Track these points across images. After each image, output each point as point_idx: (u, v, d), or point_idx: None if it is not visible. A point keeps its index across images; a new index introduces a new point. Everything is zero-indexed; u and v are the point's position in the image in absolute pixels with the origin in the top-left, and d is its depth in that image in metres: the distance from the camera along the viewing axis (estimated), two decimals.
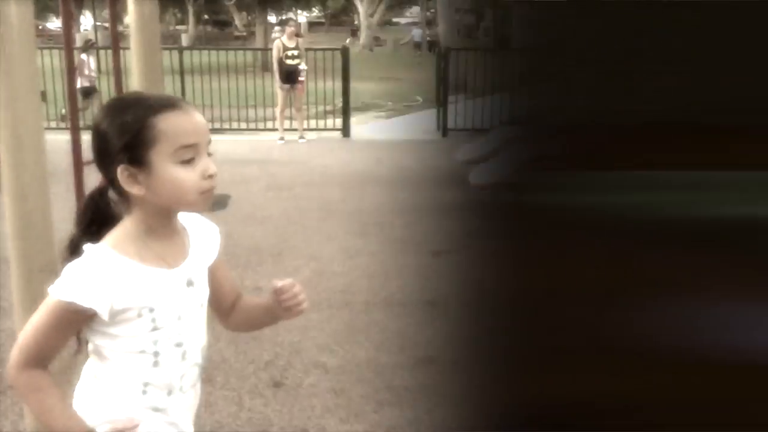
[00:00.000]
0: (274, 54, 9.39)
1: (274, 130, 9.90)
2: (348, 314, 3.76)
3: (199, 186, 1.21)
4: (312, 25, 61.23)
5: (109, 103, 1.28)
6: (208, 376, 3.10)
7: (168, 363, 1.30)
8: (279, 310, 1.37)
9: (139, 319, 1.24)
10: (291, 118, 9.88)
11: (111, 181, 1.23)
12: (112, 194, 1.27)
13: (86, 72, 10.04)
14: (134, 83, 3.34)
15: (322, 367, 3.15)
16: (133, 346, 1.26)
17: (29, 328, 1.24)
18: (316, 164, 8.11)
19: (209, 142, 1.25)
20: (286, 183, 7.07)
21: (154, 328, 1.26)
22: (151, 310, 1.25)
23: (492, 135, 4.85)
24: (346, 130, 10.07)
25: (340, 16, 58.61)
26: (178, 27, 53.30)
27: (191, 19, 41.89)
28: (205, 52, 11.57)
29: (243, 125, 10.25)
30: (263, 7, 23.31)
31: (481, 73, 9.99)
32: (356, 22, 36.70)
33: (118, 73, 3.35)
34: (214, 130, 9.79)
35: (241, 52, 12.18)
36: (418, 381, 3.03)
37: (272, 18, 55.68)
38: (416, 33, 30.16)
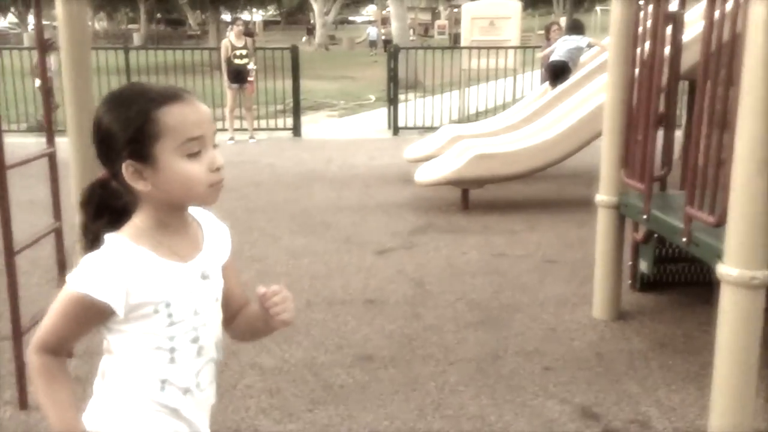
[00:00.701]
0: (222, 53, 9.27)
1: (224, 130, 9.76)
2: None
3: (207, 179, 1.18)
4: (268, 23, 60.67)
5: (110, 97, 1.21)
6: None
7: (184, 359, 1.25)
8: (267, 317, 1.30)
9: (155, 315, 1.21)
10: (241, 118, 9.79)
11: (115, 175, 1.19)
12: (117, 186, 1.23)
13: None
14: (64, 82, 3.27)
15: (258, 368, 3.13)
16: (149, 343, 1.22)
17: (49, 314, 1.22)
18: (265, 164, 8.04)
19: (215, 133, 1.22)
20: (233, 184, 6.91)
21: (171, 323, 1.22)
22: (168, 305, 1.21)
23: (438, 133, 4.97)
24: (296, 130, 10.01)
25: (296, 15, 58.17)
26: (131, 26, 52.21)
27: (143, 18, 40.99)
28: (154, 51, 11.36)
29: None
30: (216, 5, 22.98)
31: (433, 72, 10.05)
32: (312, 21, 36.48)
33: (44, 73, 3.27)
34: None
35: (190, 51, 11.98)
36: (355, 379, 3.03)
37: (227, 16, 55.10)
38: (372, 31, 30.17)
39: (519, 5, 10.91)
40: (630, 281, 4.03)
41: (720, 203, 2.53)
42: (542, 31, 12.03)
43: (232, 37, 9.30)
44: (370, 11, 52.85)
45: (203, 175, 1.17)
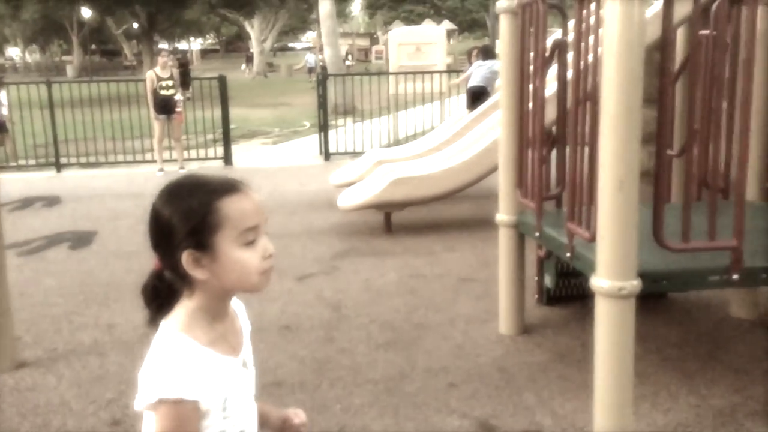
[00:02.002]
0: (148, 85, 9.22)
1: (152, 161, 9.70)
2: None
3: (260, 267, 1.20)
4: (207, 52, 60.36)
5: (169, 189, 1.24)
6: (44, 420, 3.01)
7: None
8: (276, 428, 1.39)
9: (213, 411, 1.20)
10: (171, 149, 9.73)
11: (172, 264, 1.20)
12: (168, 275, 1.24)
13: None
14: None
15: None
16: None
17: None
18: None
19: (266, 221, 1.24)
20: None
21: (225, 417, 1.23)
22: (225, 401, 1.22)
23: (363, 158, 5.08)
24: (227, 158, 10.00)
25: (236, 43, 58.10)
26: (65, 58, 51.14)
27: (76, 49, 40.21)
28: (78, 84, 11.17)
29: (126, 157, 9.98)
30: (149, 36, 22.78)
31: (367, 97, 10.22)
32: (251, 49, 36.52)
33: None
34: (90, 164, 9.57)
35: (124, 82, 11.82)
36: None
37: (165, 46, 54.53)
38: (310, 58, 30.32)
39: (444, 31, 11.30)
40: (536, 296, 4.20)
41: (594, 219, 2.69)
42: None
43: (157, 69, 9.26)
44: (309, 38, 53.20)
45: (257, 263, 1.20)
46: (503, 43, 3.58)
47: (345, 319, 4.09)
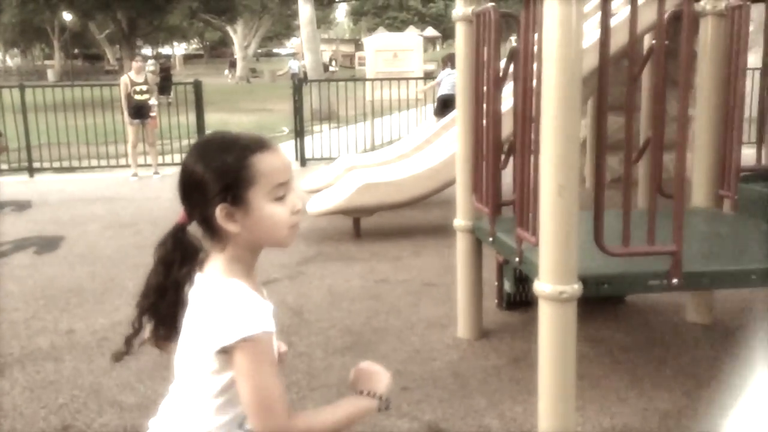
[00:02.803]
0: (122, 90, 9.20)
1: (126, 166, 9.66)
2: (158, 351, 3.72)
3: (290, 221, 1.25)
4: (191, 57, 60.15)
5: (201, 146, 1.28)
6: None
7: None
8: None
9: None
10: (145, 154, 9.69)
11: (205, 218, 1.24)
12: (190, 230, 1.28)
13: None
14: None
15: (118, 406, 3.12)
16: None
17: (257, 387, 1.18)
18: (165, 200, 7.95)
19: (293, 178, 1.29)
20: (129, 220, 6.91)
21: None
22: (273, 339, 1.26)
23: (335, 164, 5.10)
24: None
25: (220, 48, 57.93)
26: (47, 62, 50.72)
27: (57, 53, 39.92)
28: (51, 88, 11.09)
29: (101, 162, 9.93)
30: (130, 40, 22.70)
31: (346, 103, 10.24)
32: (235, 54, 36.45)
33: None
34: (64, 169, 9.50)
35: (98, 87, 11.74)
36: None
37: (148, 51, 54.23)
38: (293, 64, 30.33)
39: (421, 39, 11.33)
40: (496, 301, 4.24)
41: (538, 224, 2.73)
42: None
43: (131, 73, 9.24)
44: (293, 44, 53.20)
45: (287, 217, 1.25)
46: (459, 51, 3.62)
47: (305, 324, 4.10)
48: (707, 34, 3.67)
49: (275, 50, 60.49)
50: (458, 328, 3.84)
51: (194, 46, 65.35)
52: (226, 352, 1.20)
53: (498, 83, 3.35)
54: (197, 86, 9.85)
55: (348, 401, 1.31)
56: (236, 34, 32.68)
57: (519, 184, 3.00)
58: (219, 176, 1.21)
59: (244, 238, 1.24)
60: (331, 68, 33.34)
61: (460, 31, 3.59)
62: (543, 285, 2.56)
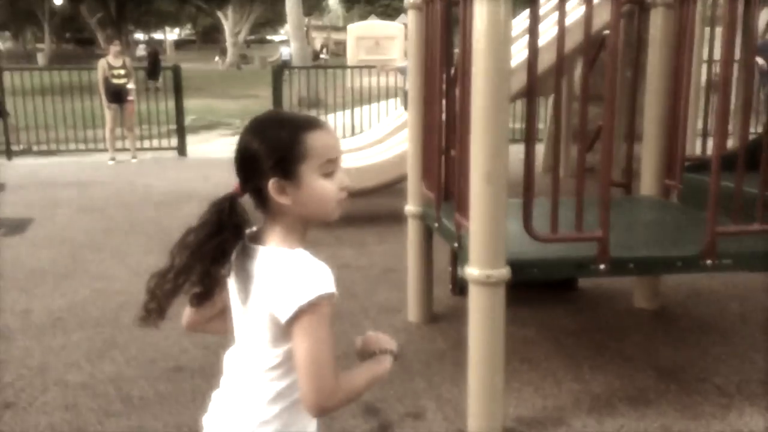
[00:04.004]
0: (99, 74, 9.18)
1: (104, 150, 9.66)
2: (111, 331, 3.78)
3: (337, 196, 1.32)
4: (184, 43, 59.79)
5: (257, 122, 1.33)
6: None
7: None
8: None
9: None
10: (124, 138, 9.69)
11: (258, 190, 1.30)
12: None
13: None
14: None
15: (62, 384, 3.16)
16: None
17: (315, 352, 1.24)
18: (139, 184, 7.99)
19: (342, 157, 1.36)
20: (100, 204, 6.93)
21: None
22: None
23: None
24: (182, 149, 9.98)
25: (212, 34, 57.57)
26: (39, 45, 50.39)
27: (47, 37, 39.64)
28: (39, 72, 11.08)
29: (80, 146, 9.92)
30: (119, 25, 22.56)
31: (332, 91, 10.23)
32: (226, 41, 36.24)
33: None
34: (42, 153, 9.49)
35: (79, 71, 11.69)
36: (157, 390, 3.12)
37: (140, 35, 53.85)
38: (284, 51, 30.20)
39: (402, 26, 11.30)
40: (450, 286, 4.29)
41: None
42: None
43: (109, 57, 9.22)
44: (287, 30, 52.93)
45: (335, 192, 1.31)
46: (410, 39, 3.65)
47: None
48: (657, 25, 3.70)
49: (268, 37, 60.17)
50: (409, 312, 3.90)
51: (187, 31, 64.94)
52: (294, 318, 1.25)
53: (444, 72, 3.39)
54: (176, 71, 9.83)
55: (370, 364, 1.38)
56: (227, 20, 32.50)
57: (458, 171, 3.04)
58: (273, 151, 1.27)
59: (293, 211, 1.30)
60: (322, 56, 33.22)
61: (412, 18, 3.62)
62: (472, 269, 2.62)
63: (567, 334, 3.68)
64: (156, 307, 1.44)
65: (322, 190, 1.29)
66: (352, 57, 10.97)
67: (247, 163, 1.31)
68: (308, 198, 1.29)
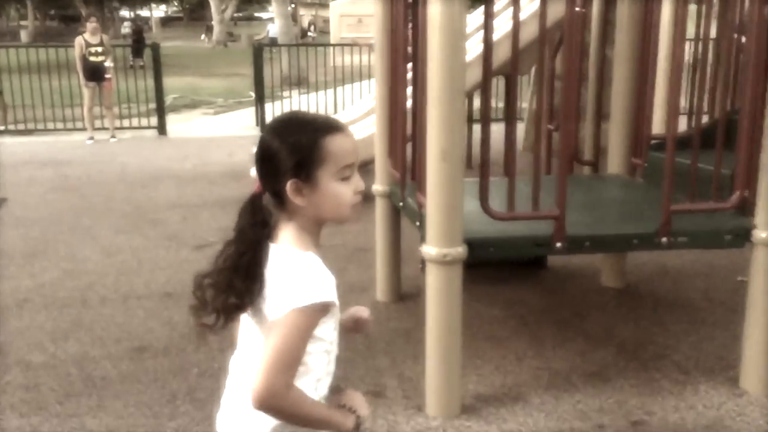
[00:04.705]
0: (76, 51, 9.05)
1: (83, 129, 9.55)
2: (78, 311, 3.77)
3: (352, 200, 1.34)
4: (170, 20, 59.00)
5: (279, 124, 1.35)
6: None
7: (333, 361, 1.41)
8: (346, 328, 1.53)
9: (332, 321, 1.35)
10: (103, 117, 9.59)
11: (276, 190, 1.32)
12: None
13: None
14: None
15: (24, 365, 3.16)
16: (322, 347, 1.35)
17: (283, 348, 1.24)
18: (117, 163, 7.93)
19: (359, 160, 1.38)
20: (75, 183, 6.88)
21: (335, 329, 1.37)
22: (336, 312, 1.36)
23: None
24: (162, 128, 9.90)
25: (200, 11, 56.80)
26: (22, 22, 49.60)
27: (30, 14, 38.99)
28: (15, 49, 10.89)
29: (57, 125, 9.81)
30: (101, 1, 22.20)
31: (319, 69, 10.13)
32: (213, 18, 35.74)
33: None
34: (20, 132, 9.37)
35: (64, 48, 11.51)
36: (120, 370, 3.12)
37: (125, 12, 53.05)
38: (272, 28, 29.85)
39: None
40: (420, 265, 4.29)
41: None
42: None
43: (86, 35, 9.09)
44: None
45: (350, 197, 1.34)
46: (376, 21, 3.62)
47: None
48: (624, 6, 3.68)
49: (256, 14, 59.46)
50: (377, 291, 3.91)
51: (174, 8, 64.09)
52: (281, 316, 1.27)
53: (406, 54, 3.36)
54: (155, 50, 9.71)
55: (334, 410, 1.36)
56: None
57: (420, 149, 3.03)
58: (292, 153, 1.29)
59: (309, 212, 1.32)
60: (309, 33, 32.88)
61: (377, 4, 3.59)
62: (429, 248, 2.62)
63: (533, 312, 3.71)
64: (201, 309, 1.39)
65: (338, 193, 1.32)
66: (334, 35, 10.83)
67: (267, 163, 1.33)
68: (324, 201, 1.32)
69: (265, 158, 1.33)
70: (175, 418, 2.74)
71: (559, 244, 2.67)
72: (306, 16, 36.80)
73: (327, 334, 1.34)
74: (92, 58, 9.00)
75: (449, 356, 2.69)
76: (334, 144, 1.30)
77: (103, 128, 9.53)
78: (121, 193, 6.51)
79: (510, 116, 2.64)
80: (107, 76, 9.10)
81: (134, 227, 5.38)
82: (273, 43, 30.56)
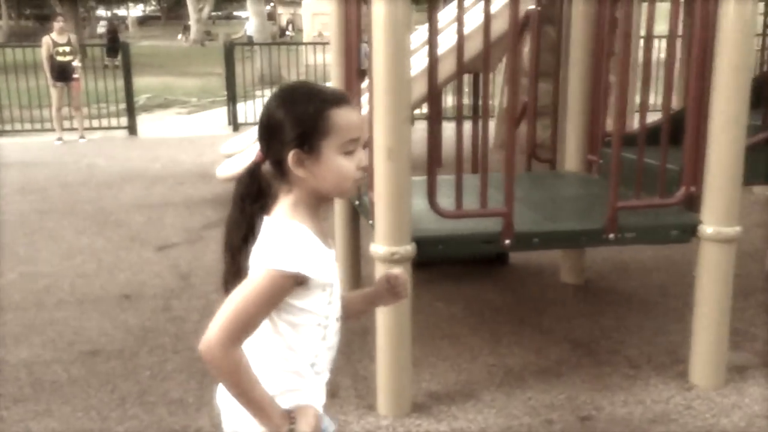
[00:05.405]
0: (43, 51, 8.93)
1: (51, 130, 9.43)
2: (32, 314, 3.72)
3: (354, 175, 1.31)
4: (148, 19, 58.43)
5: (285, 92, 1.31)
6: None
7: (330, 337, 1.38)
8: (384, 296, 1.52)
9: (322, 294, 1.31)
10: (72, 118, 9.47)
11: (277, 161, 1.28)
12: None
13: None
14: None
15: None
16: (313, 320, 1.32)
17: (240, 303, 1.22)
18: (84, 164, 7.83)
19: (366, 136, 1.36)
20: (40, 185, 6.78)
21: (329, 303, 1.33)
22: (331, 286, 1.33)
23: (254, 129, 5.00)
24: (132, 128, 9.80)
25: (178, 10, 56.32)
26: None
27: (4, 13, 38.43)
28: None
29: (26, 126, 9.67)
30: (71, 1, 21.95)
31: (294, 68, 10.07)
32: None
33: None
34: None
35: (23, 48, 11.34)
36: (70, 374, 3.08)
37: (102, 12, 52.44)
38: (249, 27, 29.69)
39: None
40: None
41: None
42: None
43: (53, 34, 8.97)
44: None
45: (353, 171, 1.30)
46: (331, 16, 3.60)
47: (190, 288, 4.11)
48: (578, 4, 3.69)
49: (235, 12, 59.10)
50: None
51: (152, 7, 63.50)
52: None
53: (355, 56, 3.35)
54: (125, 49, 9.61)
55: (273, 401, 1.29)
56: None
57: (370, 147, 3.02)
58: (296, 123, 1.26)
59: (310, 185, 1.29)
60: (287, 33, 32.74)
61: (332, 4, 3.57)
62: (377, 246, 2.61)
63: (491, 310, 3.72)
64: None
65: (341, 167, 1.29)
66: (308, 33, 10.79)
67: (270, 132, 1.30)
68: (326, 174, 1.29)
69: (269, 126, 1.30)
70: (123, 422, 2.71)
71: (507, 241, 2.67)
72: (284, 14, 36.67)
73: (317, 307, 1.31)
74: (60, 58, 8.88)
75: (400, 355, 2.68)
76: (340, 116, 1.27)
77: (72, 129, 9.41)
78: (86, 194, 6.43)
79: (459, 114, 2.63)
80: (75, 75, 8.99)
81: (97, 229, 5.31)
82: (250, 41, 30.42)
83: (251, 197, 1.33)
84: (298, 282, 1.25)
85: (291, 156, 1.27)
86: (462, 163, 2.68)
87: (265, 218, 1.30)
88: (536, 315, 3.62)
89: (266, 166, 1.32)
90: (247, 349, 1.27)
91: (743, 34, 2.57)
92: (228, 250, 1.35)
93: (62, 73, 8.91)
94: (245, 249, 1.31)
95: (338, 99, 1.29)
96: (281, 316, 1.30)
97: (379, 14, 2.43)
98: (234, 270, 1.33)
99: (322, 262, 1.29)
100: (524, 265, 4.34)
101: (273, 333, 1.31)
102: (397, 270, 1.53)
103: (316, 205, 1.33)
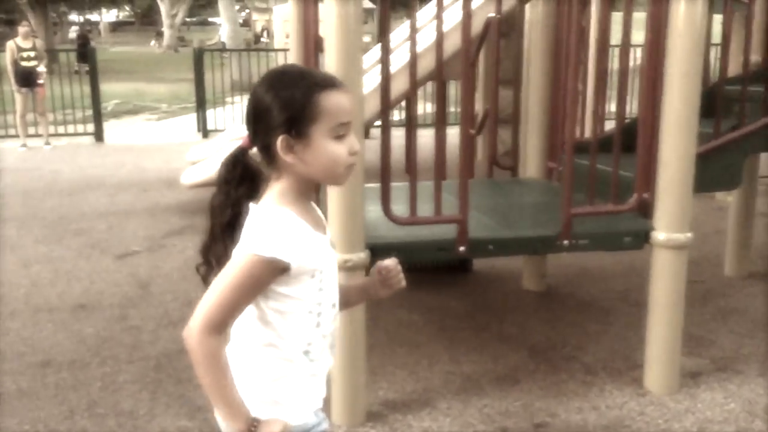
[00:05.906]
0: (8, 56, 8.79)
1: (15, 136, 9.27)
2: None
3: (346, 161, 1.27)
4: (121, 24, 57.94)
5: (273, 76, 1.27)
6: None
7: (325, 324, 1.33)
8: (378, 287, 1.48)
9: (311, 280, 1.27)
10: (36, 124, 9.31)
11: (265, 146, 1.25)
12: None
13: None
14: None
15: None
16: (303, 307, 1.28)
17: (220, 290, 1.20)
18: (49, 171, 7.70)
19: (355, 120, 1.32)
20: (0, 192, 6.65)
21: (320, 289, 1.30)
22: (321, 272, 1.29)
23: (221, 135, 4.98)
24: (99, 135, 9.66)
25: (152, 16, 55.90)
26: None
27: None
28: None
29: None
30: (43, 4, 21.64)
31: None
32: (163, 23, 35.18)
33: None
34: None
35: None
36: (19, 385, 3.00)
37: (74, 17, 51.85)
38: (224, 33, 29.54)
39: None
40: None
41: None
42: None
43: (18, 39, 8.83)
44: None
45: (344, 157, 1.26)
46: (292, 18, 3.58)
47: (148, 297, 4.04)
48: (538, 10, 3.72)
49: (210, 19, 58.82)
50: None
51: (126, 13, 62.96)
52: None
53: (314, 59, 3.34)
54: (91, 54, 9.49)
55: (243, 404, 1.25)
56: (164, 1, 31.55)
57: None
58: (285, 107, 1.23)
59: (299, 170, 1.26)
60: (262, 39, 32.63)
61: (294, 11, 3.56)
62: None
63: (452, 317, 3.71)
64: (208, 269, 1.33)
65: (332, 152, 1.25)
66: (279, 39, 10.75)
67: (258, 117, 1.26)
68: (316, 159, 1.25)
69: (256, 111, 1.26)
70: None
71: (462, 248, 2.67)
72: (259, 21, 36.54)
73: (306, 294, 1.28)
74: (24, 63, 8.75)
75: (353, 364, 2.65)
76: (329, 100, 1.24)
77: (37, 135, 9.25)
78: (48, 202, 6.31)
79: (410, 121, 2.62)
80: (40, 81, 8.86)
81: (56, 237, 5.21)
82: (224, 48, 30.24)
83: (235, 181, 1.29)
84: (280, 268, 1.22)
85: (279, 141, 1.24)
86: (416, 170, 2.67)
87: (252, 205, 1.28)
88: (496, 322, 3.62)
89: (255, 152, 1.29)
90: (239, 337, 1.30)
91: (692, 40, 2.61)
92: (210, 235, 1.31)
93: (27, 79, 8.78)
94: (230, 235, 1.28)
95: (328, 82, 1.26)
96: (268, 304, 1.27)
97: (330, 16, 2.42)
98: (216, 257, 1.30)
99: (309, 248, 1.26)
100: (487, 272, 4.35)
101: (262, 321, 1.29)
102: (389, 261, 1.48)
103: (306, 191, 1.31)
